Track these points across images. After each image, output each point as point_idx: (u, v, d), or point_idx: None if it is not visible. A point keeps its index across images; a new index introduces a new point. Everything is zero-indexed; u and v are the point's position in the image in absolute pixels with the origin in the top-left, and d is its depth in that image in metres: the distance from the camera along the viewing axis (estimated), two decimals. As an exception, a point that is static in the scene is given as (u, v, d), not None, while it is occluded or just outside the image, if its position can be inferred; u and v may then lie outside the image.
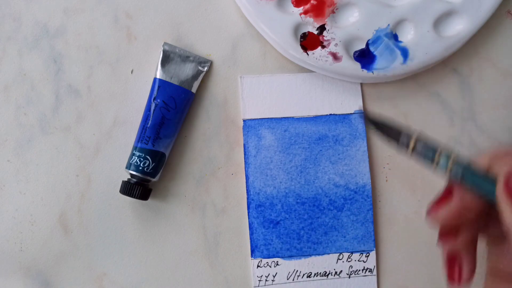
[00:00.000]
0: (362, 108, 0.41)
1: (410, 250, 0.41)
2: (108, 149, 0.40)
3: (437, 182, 0.41)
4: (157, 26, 0.41)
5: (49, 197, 0.40)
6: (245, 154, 0.40)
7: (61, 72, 0.40)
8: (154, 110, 0.38)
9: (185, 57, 0.40)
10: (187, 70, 0.39)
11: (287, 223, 0.40)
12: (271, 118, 0.40)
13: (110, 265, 0.39)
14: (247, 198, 0.40)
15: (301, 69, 0.41)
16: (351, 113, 0.41)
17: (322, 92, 0.41)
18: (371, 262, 0.40)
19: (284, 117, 0.41)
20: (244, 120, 0.40)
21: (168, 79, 0.39)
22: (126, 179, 0.39)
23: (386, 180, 0.41)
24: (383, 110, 0.41)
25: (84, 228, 0.40)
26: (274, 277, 0.40)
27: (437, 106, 0.42)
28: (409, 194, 0.41)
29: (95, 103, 0.40)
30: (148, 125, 0.38)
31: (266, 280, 0.39)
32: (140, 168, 0.38)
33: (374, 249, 0.40)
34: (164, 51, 0.39)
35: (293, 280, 0.40)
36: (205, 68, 0.40)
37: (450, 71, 0.42)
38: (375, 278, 0.40)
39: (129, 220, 0.40)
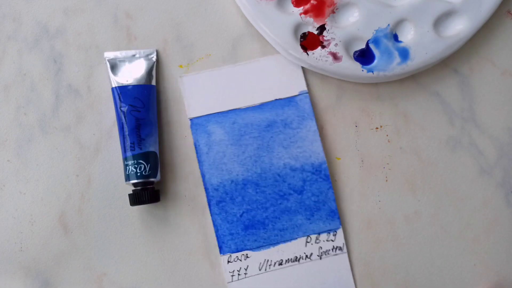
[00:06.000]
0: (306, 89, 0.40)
1: (410, 249, 0.41)
2: (108, 149, 0.40)
3: (437, 182, 0.41)
4: (157, 26, 0.41)
5: (49, 197, 0.40)
6: (197, 153, 0.40)
7: (61, 72, 0.40)
8: (125, 116, 0.38)
9: (131, 57, 0.39)
10: (138, 67, 0.39)
11: (250, 214, 0.40)
12: (218, 113, 0.40)
13: (110, 265, 0.39)
14: (206, 196, 0.40)
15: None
16: (295, 95, 0.41)
17: (264, 79, 0.41)
18: (339, 240, 0.40)
19: (230, 110, 0.40)
20: (190, 119, 0.40)
21: (124, 83, 0.39)
22: (131, 192, 0.39)
23: (386, 180, 0.41)
24: (383, 110, 0.41)
25: (84, 228, 0.40)
26: (246, 270, 0.39)
27: (437, 106, 0.42)
28: (409, 194, 0.41)
29: (95, 103, 0.40)
30: (127, 133, 0.38)
31: (238, 274, 0.39)
32: (138, 174, 0.37)
33: (340, 226, 0.40)
34: (109, 61, 0.39)
35: (265, 270, 0.39)
36: (153, 57, 0.40)
37: (450, 71, 0.42)
38: (346, 255, 0.40)
39: (129, 220, 0.40)
